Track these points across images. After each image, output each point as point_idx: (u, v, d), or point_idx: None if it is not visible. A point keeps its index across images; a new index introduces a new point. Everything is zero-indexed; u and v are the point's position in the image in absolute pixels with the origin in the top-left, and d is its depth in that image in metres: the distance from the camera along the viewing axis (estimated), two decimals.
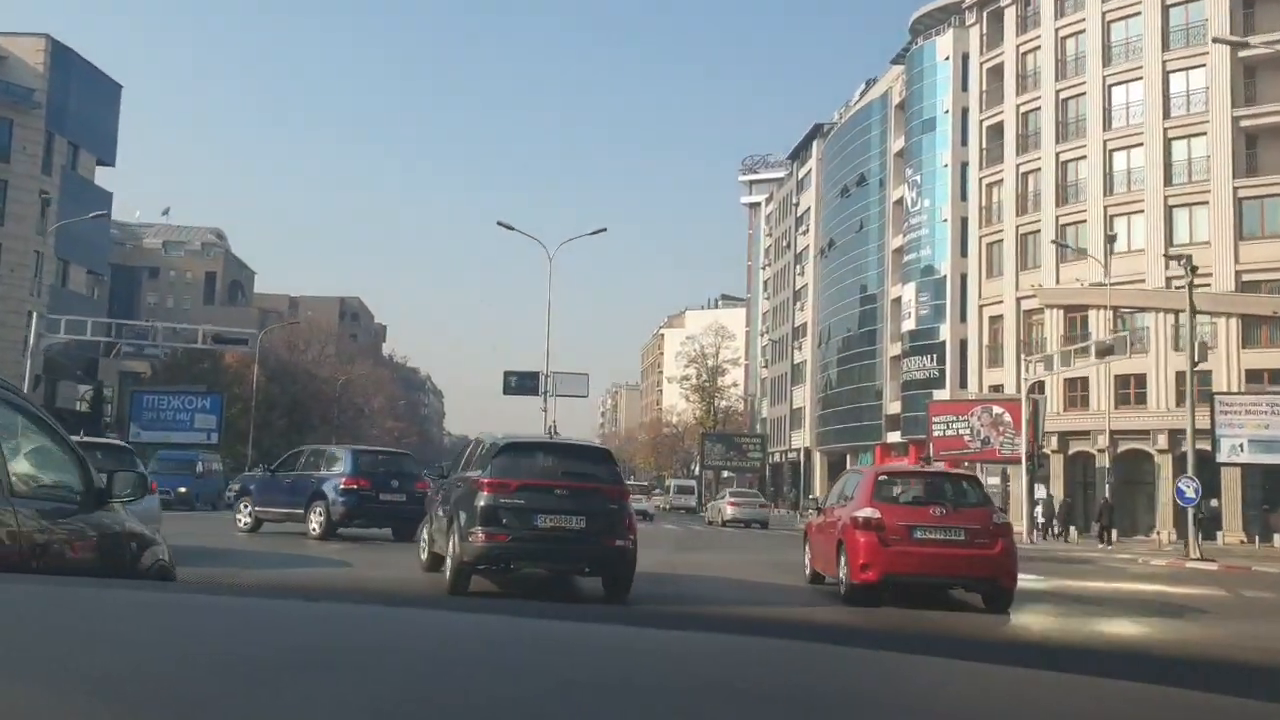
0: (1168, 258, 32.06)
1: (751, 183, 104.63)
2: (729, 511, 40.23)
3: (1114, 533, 37.38)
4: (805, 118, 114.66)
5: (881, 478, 12.75)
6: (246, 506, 21.22)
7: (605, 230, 39.98)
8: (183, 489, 36.14)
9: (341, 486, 19.12)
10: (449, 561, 11.02)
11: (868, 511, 11.77)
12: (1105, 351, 31.18)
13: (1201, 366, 42.37)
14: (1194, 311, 27.46)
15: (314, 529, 19.08)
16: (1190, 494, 24.16)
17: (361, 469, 19.59)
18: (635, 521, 11.45)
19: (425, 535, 13.35)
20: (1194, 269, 27.91)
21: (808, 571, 14.23)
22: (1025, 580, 16.36)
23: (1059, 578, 17.30)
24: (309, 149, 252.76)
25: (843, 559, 11.98)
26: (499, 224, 38.91)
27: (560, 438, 12.78)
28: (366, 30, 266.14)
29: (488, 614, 1.35)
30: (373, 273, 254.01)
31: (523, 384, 38.26)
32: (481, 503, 10.50)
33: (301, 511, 19.52)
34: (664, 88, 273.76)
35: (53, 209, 52.42)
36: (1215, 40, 33.59)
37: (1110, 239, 42.20)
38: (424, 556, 13.13)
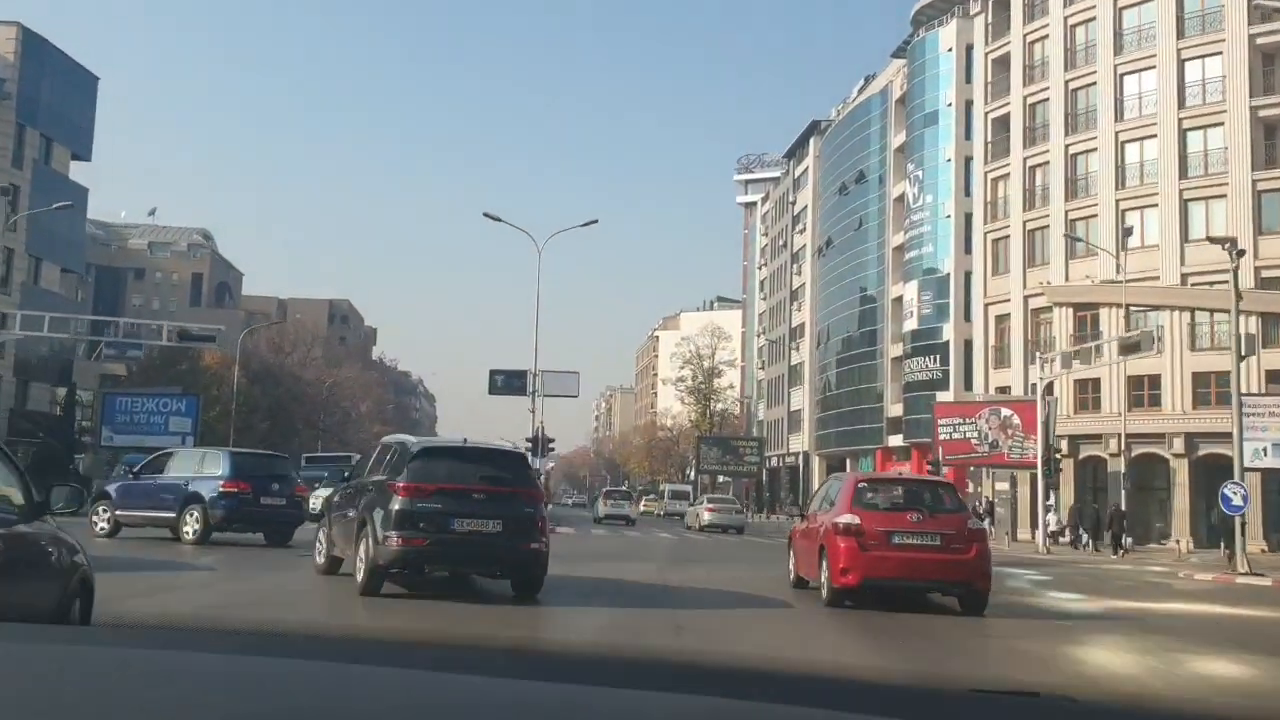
0: (1211, 240, 30.13)
1: (747, 182, 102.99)
2: (706, 517, 41.50)
3: (1128, 541, 35.64)
4: (801, 117, 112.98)
5: (861, 484, 13.06)
6: (105, 510, 19.99)
7: (596, 222, 38.12)
8: None
9: (220, 490, 18.59)
10: (361, 564, 10.87)
11: (847, 517, 12.02)
12: (1130, 348, 29.32)
13: (1220, 367, 40.74)
14: (1238, 298, 25.40)
15: (189, 533, 18.39)
16: (1238, 501, 22.27)
17: (241, 472, 19.10)
18: (548, 524, 11.71)
19: (322, 538, 13.20)
20: (1240, 252, 25.89)
21: (791, 576, 14.46)
22: (1071, 601, 14.60)
23: (1104, 597, 15.45)
24: (300, 150, 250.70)
25: (824, 564, 12.23)
26: (485, 215, 37.13)
27: (475, 442, 12.20)
28: (357, 30, 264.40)
29: (469, 674, 1.32)
30: (366, 279, 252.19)
31: (509, 383, 36.37)
32: (397, 506, 10.51)
33: (172, 516, 18.84)
34: (657, 90, 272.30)
35: (24, 204, 50.45)
36: (1258, 6, 31.66)
37: (1127, 232, 40.40)
38: (321, 560, 13.02)
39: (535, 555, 10.95)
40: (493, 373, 36.88)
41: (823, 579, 12.30)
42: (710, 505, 43.11)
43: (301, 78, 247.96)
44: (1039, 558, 29.44)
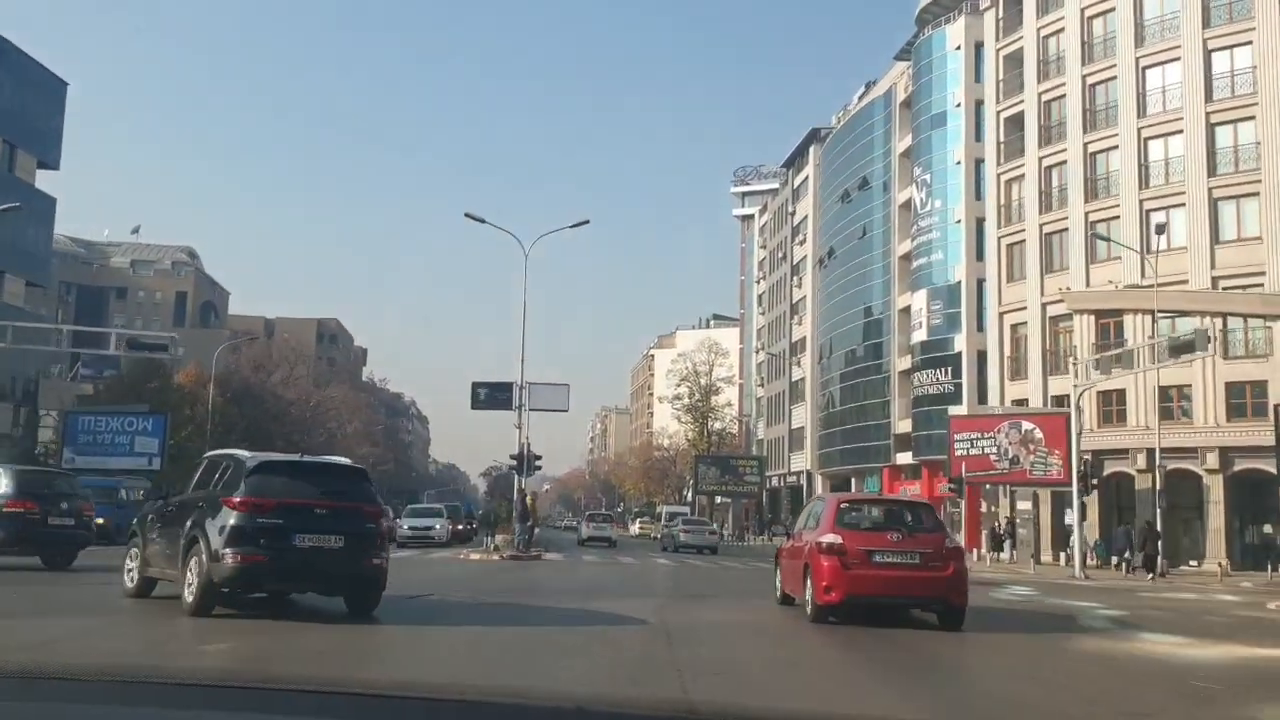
0: None
1: (744, 194, 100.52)
2: (682, 538, 43.59)
3: (1163, 563, 32.86)
4: (799, 129, 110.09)
5: (843, 505, 13.48)
6: None
7: (587, 222, 35.45)
8: (101, 519, 31.79)
9: (3, 509, 17.26)
10: (192, 584, 10.41)
11: (830, 537, 12.40)
12: (1183, 348, 26.56)
13: (1256, 376, 38.14)
14: None
15: None
16: None
17: (26, 490, 18.01)
18: (387, 540, 11.61)
19: (133, 559, 12.56)
20: None
21: (778, 594, 14.82)
22: (1181, 646, 11.82)
23: (1212, 639, 12.70)
24: (289, 164, 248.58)
25: (809, 581, 12.59)
26: (467, 215, 34.38)
27: (313, 457, 12.31)
28: (348, 45, 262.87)
29: None
30: (359, 302, 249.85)
31: (493, 397, 33.50)
32: (234, 522, 10.19)
33: None
34: (651, 105, 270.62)
35: None
36: None
37: (1159, 229, 37.74)
38: (131, 582, 12.42)
39: (377, 571, 10.87)
40: (475, 385, 34.04)
41: (807, 596, 12.63)
42: (685, 527, 45.55)
43: (290, 83, 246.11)
44: (1079, 584, 26.66)
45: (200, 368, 62.75)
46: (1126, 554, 32.95)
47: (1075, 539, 31.84)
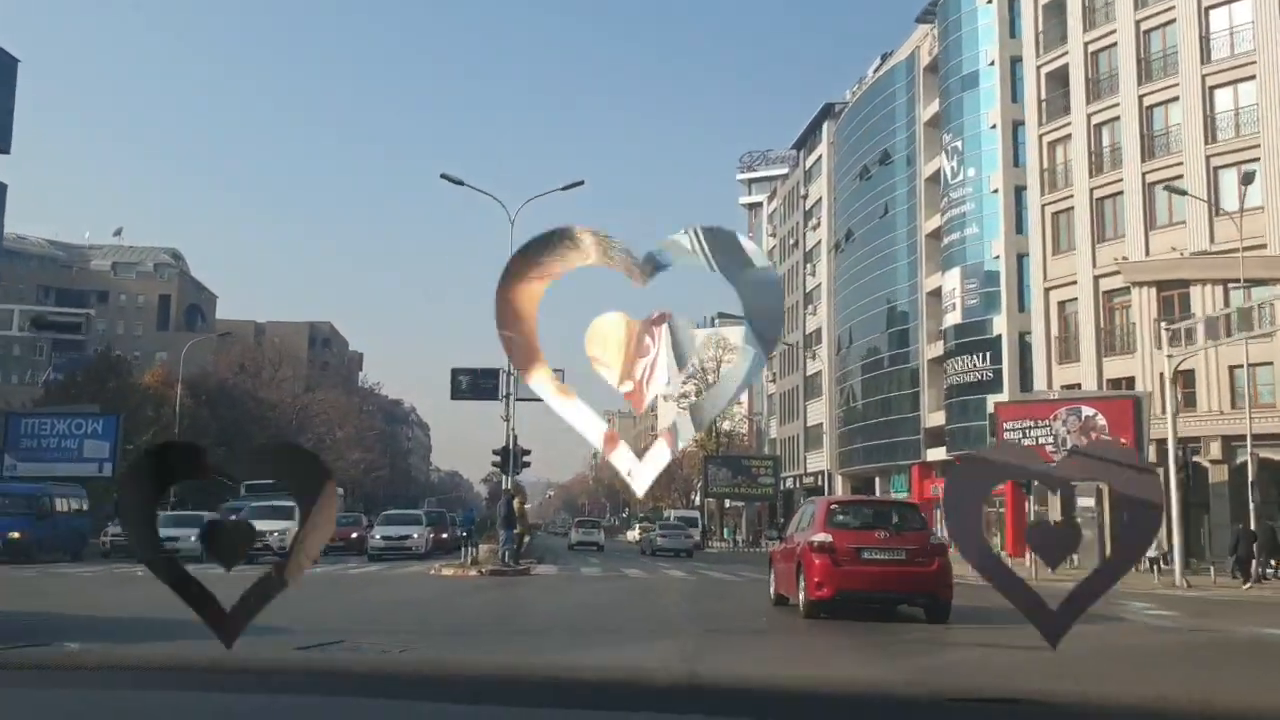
0: None
1: (750, 181, 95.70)
2: (659, 542, 44.62)
3: (1259, 568, 28.18)
4: (809, 112, 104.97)
5: (833, 507, 14.47)
6: None
7: (582, 183, 30.78)
8: (15, 534, 27.16)
9: None
10: None
11: (821, 536, 13.06)
12: None
13: None
14: None
15: None
16: None
17: None
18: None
19: None
20: None
21: (772, 594, 15.33)
22: None
23: None
24: (290, 166, 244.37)
25: (801, 579, 13.18)
26: (443, 177, 29.68)
27: None
28: (345, 42, 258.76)
29: None
30: (360, 309, 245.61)
31: (476, 385, 28.87)
32: None
33: None
34: (650, 99, 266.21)
35: None
36: None
37: (1246, 179, 33.01)
38: None
39: None
40: (455, 373, 29.38)
41: (800, 593, 13.11)
42: (662, 532, 46.81)
43: (284, 82, 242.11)
44: (1197, 597, 22.05)
45: (169, 368, 58.25)
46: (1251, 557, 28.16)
47: (1176, 540, 27.02)
